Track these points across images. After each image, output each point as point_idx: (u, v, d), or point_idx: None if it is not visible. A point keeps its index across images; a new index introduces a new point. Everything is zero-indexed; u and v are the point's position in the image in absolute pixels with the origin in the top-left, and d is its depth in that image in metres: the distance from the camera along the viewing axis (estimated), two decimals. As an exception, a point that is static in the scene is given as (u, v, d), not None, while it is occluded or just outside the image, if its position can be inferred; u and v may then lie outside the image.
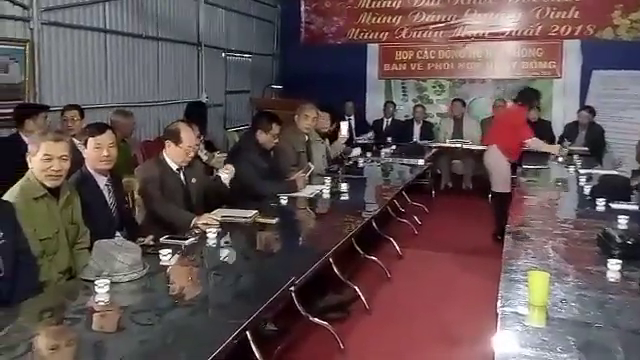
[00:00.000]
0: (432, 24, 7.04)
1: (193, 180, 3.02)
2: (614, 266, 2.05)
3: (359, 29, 7.30)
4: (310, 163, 4.08)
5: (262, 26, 7.31)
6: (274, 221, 2.90)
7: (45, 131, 2.48)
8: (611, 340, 1.54)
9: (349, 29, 7.33)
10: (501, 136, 4.49)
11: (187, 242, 2.47)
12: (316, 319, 2.43)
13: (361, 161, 5.24)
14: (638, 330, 1.61)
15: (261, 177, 3.53)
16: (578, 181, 3.87)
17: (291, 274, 2.14)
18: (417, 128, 6.68)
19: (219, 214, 2.86)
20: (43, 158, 2.14)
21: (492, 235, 4.36)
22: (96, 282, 1.91)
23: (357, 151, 5.45)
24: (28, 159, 2.19)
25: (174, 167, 2.93)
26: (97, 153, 2.48)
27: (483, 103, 6.90)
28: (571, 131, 5.84)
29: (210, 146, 4.37)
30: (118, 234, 2.50)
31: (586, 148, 5.51)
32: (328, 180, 3.85)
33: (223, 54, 6.38)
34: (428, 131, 6.66)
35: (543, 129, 5.58)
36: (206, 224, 2.69)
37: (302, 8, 7.46)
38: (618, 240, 2.20)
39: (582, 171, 4.25)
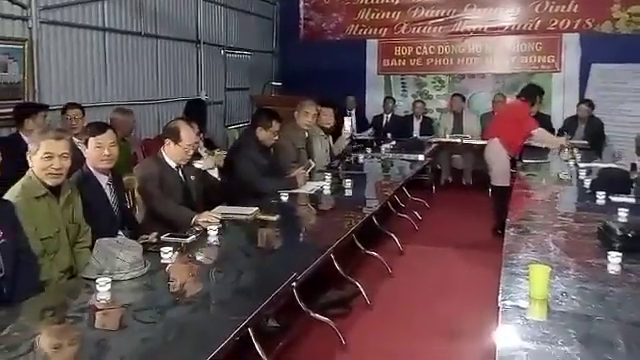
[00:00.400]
0: (431, 19, 7.02)
1: (192, 177, 3.02)
2: (614, 259, 2.05)
3: (358, 25, 7.29)
4: (311, 160, 4.08)
5: (261, 23, 7.29)
6: (275, 218, 2.91)
7: (45, 130, 2.48)
8: (612, 333, 1.54)
9: (348, 25, 7.31)
10: (503, 129, 4.48)
11: (188, 240, 2.48)
12: (317, 315, 2.43)
13: (361, 157, 5.24)
14: (639, 322, 1.61)
15: (261, 174, 3.54)
16: (578, 174, 3.87)
17: (292, 270, 2.14)
18: (417, 123, 6.67)
19: (220, 211, 2.87)
20: (44, 156, 2.14)
21: (492, 229, 4.36)
22: (97, 280, 1.91)
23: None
24: (28, 158, 2.19)
25: (173, 165, 2.92)
26: (98, 152, 2.48)
27: (483, 98, 6.90)
28: (570, 125, 5.84)
29: (210, 144, 4.37)
30: (120, 232, 2.50)
31: (586, 142, 5.51)
32: (328, 176, 3.85)
33: (222, 51, 6.37)
34: (428, 126, 6.66)
35: (542, 123, 5.54)
36: (207, 221, 2.69)
37: (301, 5, 7.44)
38: (618, 233, 2.20)
39: (582, 164, 4.25)
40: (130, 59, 4.88)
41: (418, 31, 7.09)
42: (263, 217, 2.91)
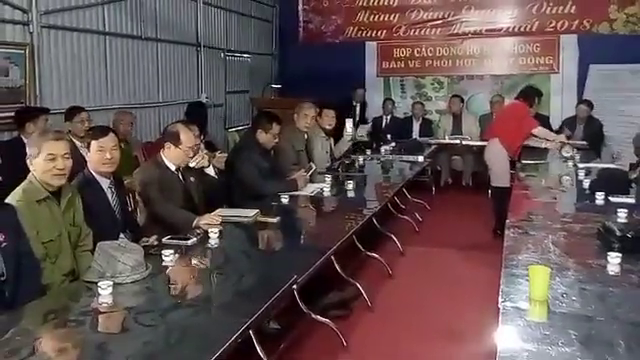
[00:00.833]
0: (430, 21, 7.04)
1: (192, 179, 3.03)
2: (614, 259, 2.06)
3: (357, 27, 7.31)
4: (312, 163, 4.09)
5: (261, 26, 7.31)
6: (275, 220, 2.92)
7: (43, 132, 2.47)
8: (612, 333, 1.54)
9: (347, 27, 7.33)
10: (503, 129, 4.49)
11: (189, 242, 2.48)
12: (318, 317, 2.44)
13: (361, 158, 5.24)
14: (639, 323, 1.62)
15: (262, 177, 3.55)
16: (577, 175, 3.88)
17: (293, 272, 2.15)
18: (416, 125, 6.68)
19: (220, 214, 2.87)
20: (47, 158, 2.14)
21: (492, 230, 4.37)
22: (99, 284, 1.91)
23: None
24: (29, 162, 2.18)
25: (172, 168, 2.93)
26: (100, 156, 2.48)
27: (481, 99, 6.91)
28: (569, 126, 5.84)
29: (210, 146, 4.37)
30: (122, 236, 2.51)
31: (585, 142, 5.52)
32: (329, 178, 3.86)
33: (222, 54, 6.39)
34: (427, 128, 6.67)
35: (541, 124, 5.54)
36: (208, 224, 2.70)
37: (300, 7, 7.46)
38: (618, 233, 2.21)
39: (581, 165, 4.25)
40: (131, 63, 4.89)
41: (417, 33, 7.11)
42: (264, 219, 2.92)
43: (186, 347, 1.59)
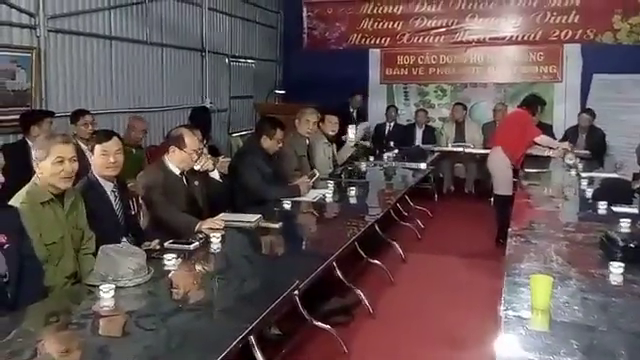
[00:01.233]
0: (433, 29, 7.07)
1: (196, 183, 3.04)
2: (617, 269, 2.05)
3: (361, 34, 7.34)
4: (315, 170, 4.10)
5: (265, 32, 7.35)
6: (278, 225, 2.92)
7: (51, 135, 2.49)
8: (614, 343, 1.54)
9: (351, 34, 7.36)
10: (507, 137, 4.49)
11: (191, 247, 2.49)
12: (320, 323, 2.43)
13: (364, 165, 5.26)
14: (641, 333, 1.61)
15: (266, 182, 3.56)
16: (580, 184, 3.87)
17: (295, 278, 2.15)
18: (419, 132, 6.69)
19: (223, 219, 2.88)
20: (55, 161, 2.15)
21: (495, 239, 4.36)
22: (101, 287, 1.92)
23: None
24: (35, 164, 2.19)
25: (177, 172, 2.94)
26: (104, 160, 2.49)
27: (484, 107, 6.92)
28: (572, 135, 5.84)
29: (214, 151, 4.40)
30: (124, 239, 2.51)
31: (587, 151, 5.52)
32: (331, 184, 3.86)
33: (227, 60, 6.43)
34: (430, 135, 6.68)
35: (544, 133, 5.56)
36: (210, 228, 2.70)
37: (304, 14, 7.50)
38: (621, 243, 2.20)
39: (583, 174, 4.25)
40: (136, 67, 4.93)
41: (420, 41, 7.14)
42: (266, 225, 2.93)
43: (187, 352, 1.59)
